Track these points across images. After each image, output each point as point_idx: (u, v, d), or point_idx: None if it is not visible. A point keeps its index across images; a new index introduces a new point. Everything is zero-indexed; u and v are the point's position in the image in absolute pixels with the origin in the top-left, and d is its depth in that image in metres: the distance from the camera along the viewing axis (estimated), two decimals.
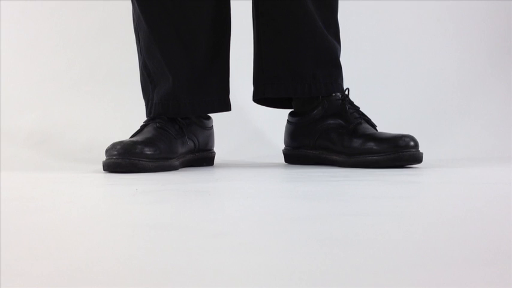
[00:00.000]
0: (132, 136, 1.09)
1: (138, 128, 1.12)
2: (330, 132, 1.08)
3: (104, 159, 1.00)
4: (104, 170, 0.99)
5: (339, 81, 1.13)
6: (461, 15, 1.59)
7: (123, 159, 0.98)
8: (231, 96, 1.19)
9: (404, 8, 1.58)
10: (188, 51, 1.13)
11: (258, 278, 0.28)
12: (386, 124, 1.15)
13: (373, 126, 1.08)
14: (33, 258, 0.33)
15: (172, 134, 1.09)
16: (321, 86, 1.11)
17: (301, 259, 0.31)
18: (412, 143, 0.98)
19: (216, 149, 1.22)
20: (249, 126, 1.51)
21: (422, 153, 0.99)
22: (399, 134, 1.00)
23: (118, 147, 1.00)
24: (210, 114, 1.22)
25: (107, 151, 1.01)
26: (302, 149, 1.13)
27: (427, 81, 1.53)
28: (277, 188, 0.73)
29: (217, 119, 1.25)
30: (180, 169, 1.09)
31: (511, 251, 0.33)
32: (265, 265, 0.30)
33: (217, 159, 1.21)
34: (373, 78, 1.51)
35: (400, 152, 0.97)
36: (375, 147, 0.99)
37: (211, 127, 1.21)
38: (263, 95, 1.13)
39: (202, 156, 1.17)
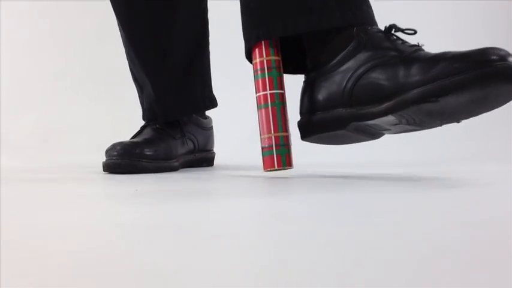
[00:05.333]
0: (132, 137, 1.09)
1: (138, 129, 1.12)
2: (374, 70, 0.73)
3: (104, 160, 1.00)
4: (104, 170, 0.99)
5: (365, 7, 0.80)
6: (460, 15, 1.59)
7: (123, 159, 0.98)
8: (231, 97, 1.19)
9: (404, 8, 1.58)
10: (165, 53, 1.10)
11: (258, 279, 0.28)
12: None
13: None
14: (33, 258, 0.33)
15: (172, 135, 1.09)
16: (336, 13, 0.78)
17: (302, 260, 0.31)
18: (508, 56, 0.65)
19: (216, 149, 1.22)
20: (249, 127, 1.51)
21: None
22: (484, 47, 0.67)
23: (118, 147, 1.00)
24: (210, 116, 1.22)
25: (106, 152, 1.01)
26: (329, 111, 0.79)
27: None
28: (277, 188, 0.73)
29: (217, 119, 1.25)
30: (180, 170, 1.09)
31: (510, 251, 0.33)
32: (265, 266, 0.30)
33: (217, 160, 1.21)
34: None
35: (493, 65, 0.64)
36: (452, 68, 0.66)
37: (211, 127, 1.21)
38: (257, 40, 0.83)
39: (202, 157, 1.17)
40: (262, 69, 0.84)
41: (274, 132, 0.82)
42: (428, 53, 0.71)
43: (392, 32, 0.76)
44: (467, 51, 0.66)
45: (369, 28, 0.77)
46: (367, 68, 0.74)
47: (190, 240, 0.38)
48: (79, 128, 1.54)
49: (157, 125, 1.09)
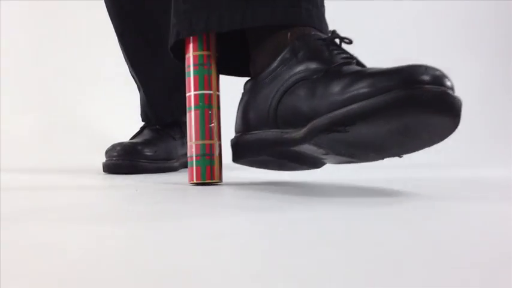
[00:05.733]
0: (132, 138, 1.09)
1: (138, 129, 1.12)
2: (297, 87, 0.61)
3: (104, 161, 1.01)
4: (104, 171, 1.00)
5: (306, 5, 0.67)
6: (461, 15, 1.59)
7: (123, 160, 0.98)
8: (233, 96, 1.18)
9: (405, 9, 1.58)
10: (156, 54, 1.07)
11: (259, 280, 0.28)
12: None
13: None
14: (33, 259, 0.34)
15: (171, 135, 1.09)
16: (263, 10, 0.66)
17: (303, 261, 0.32)
18: (443, 78, 0.51)
19: None
20: None
21: (461, 102, 0.52)
22: (413, 64, 0.52)
23: (118, 148, 1.00)
24: None
25: (106, 152, 1.01)
26: (258, 132, 0.67)
27: None
28: (278, 188, 0.73)
29: None
30: (179, 170, 1.09)
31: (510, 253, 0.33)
32: (266, 267, 0.30)
33: None
34: None
35: (416, 88, 0.50)
36: (368, 89, 0.52)
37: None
38: (177, 37, 0.73)
39: None
40: (189, 66, 0.74)
41: (195, 139, 0.72)
42: (354, 68, 0.58)
43: (331, 40, 0.63)
44: (394, 68, 0.52)
45: (312, 33, 0.64)
46: (290, 84, 0.62)
47: (190, 240, 0.38)
48: (79, 128, 1.54)
49: (157, 126, 1.10)
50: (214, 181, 0.72)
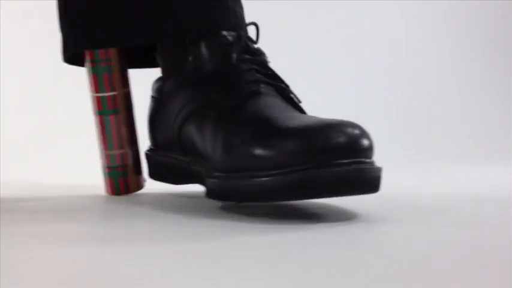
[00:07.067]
0: None
1: None
2: (193, 119, 0.54)
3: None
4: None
5: (227, 4, 0.57)
6: (461, 15, 1.59)
7: None
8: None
9: (404, 8, 1.58)
10: None
11: (259, 281, 0.28)
12: (378, 130, 1.04)
13: (291, 101, 0.52)
14: (32, 262, 0.34)
15: None
16: (182, 18, 0.56)
17: (302, 263, 0.32)
18: (357, 142, 0.43)
19: None
20: None
21: (379, 169, 0.45)
22: (326, 121, 0.44)
23: None
24: None
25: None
26: (167, 153, 0.60)
27: (424, 84, 1.52)
28: None
29: None
30: None
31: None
32: (266, 267, 0.30)
33: None
34: (369, 81, 1.49)
35: (316, 167, 0.42)
36: (261, 152, 0.45)
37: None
38: (75, 49, 0.61)
39: None
40: (87, 62, 0.61)
41: (104, 149, 0.62)
42: (260, 109, 0.48)
43: (240, 41, 0.53)
44: (299, 126, 0.44)
45: (220, 34, 0.54)
46: (188, 112, 0.54)
47: (191, 241, 0.38)
48: (79, 129, 1.54)
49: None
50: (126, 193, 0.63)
